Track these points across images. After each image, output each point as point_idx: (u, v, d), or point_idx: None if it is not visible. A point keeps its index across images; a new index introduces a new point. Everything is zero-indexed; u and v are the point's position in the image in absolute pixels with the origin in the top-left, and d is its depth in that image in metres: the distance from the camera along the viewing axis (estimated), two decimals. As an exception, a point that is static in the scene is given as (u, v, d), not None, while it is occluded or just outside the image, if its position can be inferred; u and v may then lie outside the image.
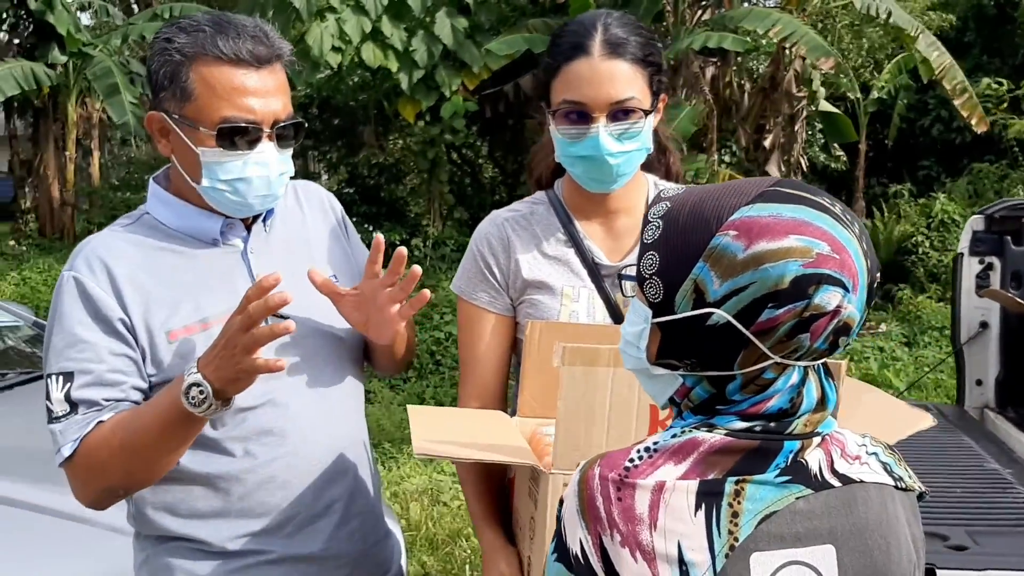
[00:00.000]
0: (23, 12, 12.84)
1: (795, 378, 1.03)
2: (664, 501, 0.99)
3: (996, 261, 3.71)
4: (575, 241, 1.79)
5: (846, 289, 0.99)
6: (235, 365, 1.40)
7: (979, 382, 3.81)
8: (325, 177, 15.88)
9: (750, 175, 10.17)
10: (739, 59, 10.68)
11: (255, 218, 1.67)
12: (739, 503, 0.99)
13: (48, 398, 1.52)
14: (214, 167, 1.54)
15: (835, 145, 12.60)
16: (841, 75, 11.72)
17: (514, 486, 1.65)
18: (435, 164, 11.09)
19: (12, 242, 13.75)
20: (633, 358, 1.11)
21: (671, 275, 1.03)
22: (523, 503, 1.54)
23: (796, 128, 10.57)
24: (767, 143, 10.46)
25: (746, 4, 10.78)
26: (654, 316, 1.06)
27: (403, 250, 1.55)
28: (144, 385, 1.56)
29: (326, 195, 1.85)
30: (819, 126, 12.25)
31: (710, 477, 1.00)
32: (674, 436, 1.04)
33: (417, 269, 1.57)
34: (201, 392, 1.41)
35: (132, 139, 14.34)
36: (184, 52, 1.52)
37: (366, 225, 11.06)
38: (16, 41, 13.38)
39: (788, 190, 1.03)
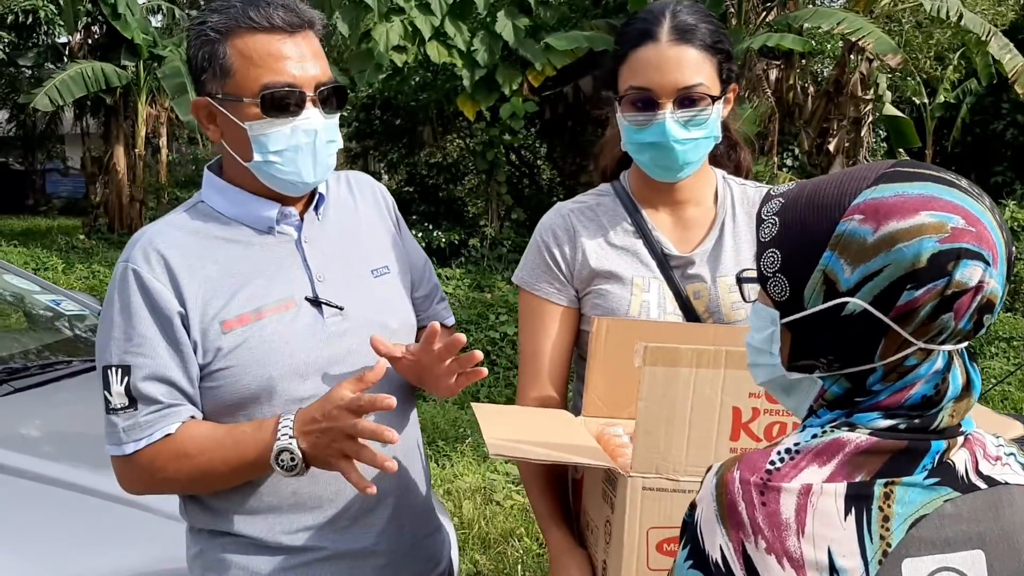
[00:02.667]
0: (98, 14, 13.17)
1: (939, 363, 0.98)
2: (811, 505, 0.94)
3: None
4: (643, 231, 1.76)
5: (986, 262, 0.94)
6: (329, 456, 1.44)
7: None
8: (385, 177, 16.03)
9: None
10: (803, 62, 10.52)
11: (307, 206, 1.67)
12: (889, 507, 0.95)
13: (106, 389, 1.53)
14: (262, 139, 1.54)
15: (900, 150, 12.33)
16: (908, 77, 11.47)
17: (582, 487, 1.62)
18: (494, 165, 11.11)
19: (83, 236, 14.10)
20: (766, 368, 1.06)
21: (796, 270, 0.99)
22: (595, 505, 1.51)
23: (862, 132, 10.38)
24: (831, 147, 10.30)
25: (811, 5, 10.61)
26: (782, 316, 1.02)
27: (462, 337, 1.53)
28: (197, 375, 1.56)
29: (378, 186, 1.85)
30: (883, 133, 12.01)
31: (857, 479, 0.95)
32: (815, 436, 0.99)
33: (478, 354, 1.55)
34: (292, 459, 1.45)
35: (198, 137, 14.62)
36: (218, 29, 1.54)
37: (426, 224, 11.11)
38: (89, 42, 13.72)
39: (909, 168, 0.98)
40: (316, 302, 1.60)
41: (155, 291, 1.52)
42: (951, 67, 12.54)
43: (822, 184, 1.01)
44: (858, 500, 0.94)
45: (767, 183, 8.15)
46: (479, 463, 5.52)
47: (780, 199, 1.04)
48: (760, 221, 1.05)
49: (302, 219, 1.65)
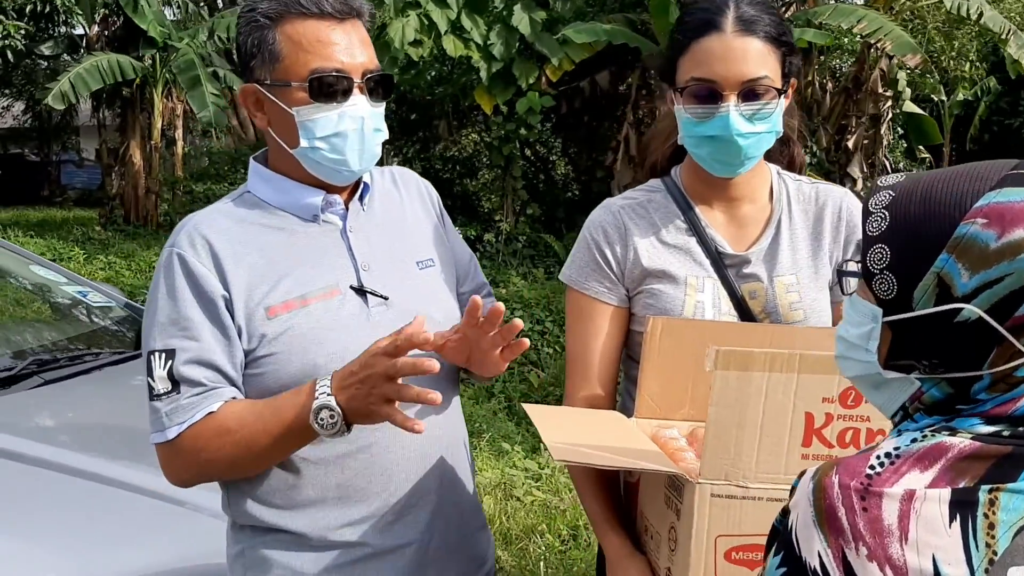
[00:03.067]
0: (115, 5, 13.17)
1: None
2: (915, 511, 0.91)
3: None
4: (696, 229, 1.71)
5: None
6: (370, 404, 1.39)
7: None
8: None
9: (830, 176, 9.95)
10: (821, 58, 10.46)
11: (351, 196, 1.66)
12: (994, 513, 0.91)
13: (150, 375, 1.52)
14: (309, 125, 1.54)
15: (920, 147, 12.27)
16: (927, 75, 11.41)
17: (637, 490, 1.59)
18: (510, 159, 11.08)
19: (99, 227, 14.13)
20: (858, 363, 1.03)
21: (907, 269, 0.96)
22: (657, 511, 1.47)
23: (880, 129, 10.32)
24: (849, 144, 10.24)
25: (831, 1, 10.55)
26: (886, 314, 0.98)
27: (501, 306, 1.50)
28: (241, 361, 1.55)
29: (423, 181, 1.84)
30: (901, 130, 11.94)
31: (961, 485, 0.92)
32: (915, 441, 0.96)
33: (518, 322, 1.53)
34: (332, 417, 1.41)
35: (212, 131, 14.63)
36: (268, 15, 1.54)
37: (441, 218, 11.05)
38: (106, 33, 13.72)
39: None
40: (361, 291, 1.59)
41: (200, 275, 1.52)
42: (970, 64, 12.46)
43: (938, 181, 0.97)
44: (963, 506, 0.91)
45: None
46: (497, 459, 5.50)
47: (890, 191, 1.00)
48: (868, 213, 1.01)
49: (347, 208, 1.65)
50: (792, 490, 1.00)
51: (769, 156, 1.75)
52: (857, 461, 0.96)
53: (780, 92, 1.63)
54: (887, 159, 10.64)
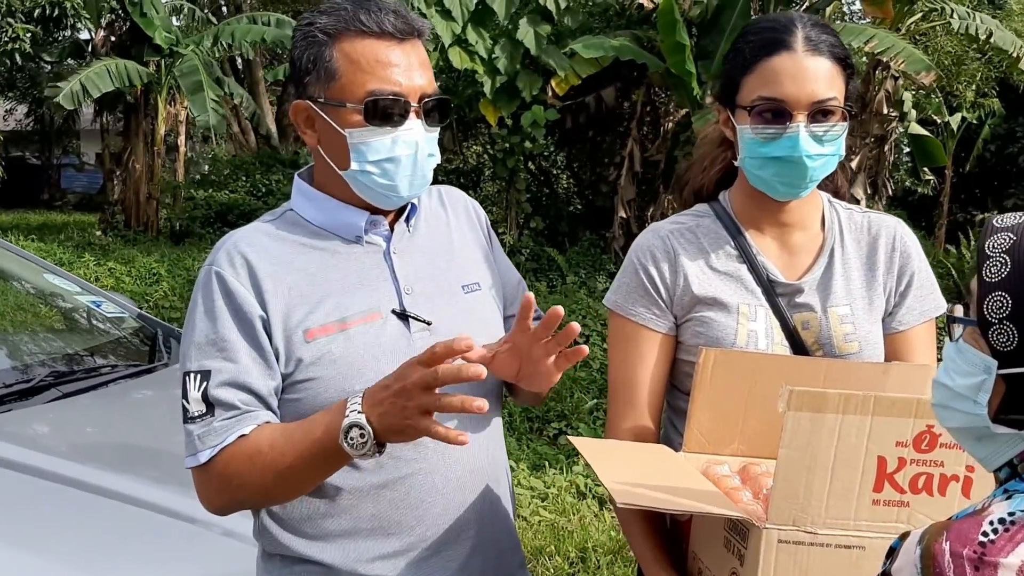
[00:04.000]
0: (121, 10, 13.16)
1: None
2: None
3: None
4: (747, 256, 1.67)
5: None
6: (406, 419, 1.30)
7: None
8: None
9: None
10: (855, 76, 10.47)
11: (397, 217, 1.62)
12: None
13: (185, 396, 1.47)
14: (362, 148, 1.49)
15: (924, 169, 12.28)
16: (933, 96, 11.43)
17: (688, 529, 1.55)
18: (514, 173, 11.07)
19: (99, 232, 14.08)
20: (964, 415, 1.00)
21: None
22: (716, 554, 1.43)
23: (885, 150, 10.32)
24: (853, 164, 10.23)
25: (839, 22, 10.57)
26: (1001, 366, 0.95)
27: (559, 309, 1.42)
28: (278, 386, 1.50)
29: (471, 202, 1.79)
30: (906, 149, 11.96)
31: None
32: None
33: (575, 326, 1.44)
34: (362, 436, 1.32)
35: (213, 137, 14.61)
36: (327, 31, 1.50)
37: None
38: (112, 39, 13.71)
39: None
40: (403, 315, 1.54)
41: (238, 294, 1.48)
42: (976, 87, 12.50)
43: None
44: None
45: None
46: (504, 477, 5.45)
47: (1010, 234, 0.96)
48: (985, 256, 0.97)
49: (392, 229, 1.60)
50: (891, 551, 0.96)
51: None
52: (969, 526, 0.92)
53: (848, 114, 1.60)
54: (890, 181, 10.64)
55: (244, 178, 14.38)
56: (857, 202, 10.15)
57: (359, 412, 1.32)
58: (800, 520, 1.26)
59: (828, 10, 10.40)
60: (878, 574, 0.97)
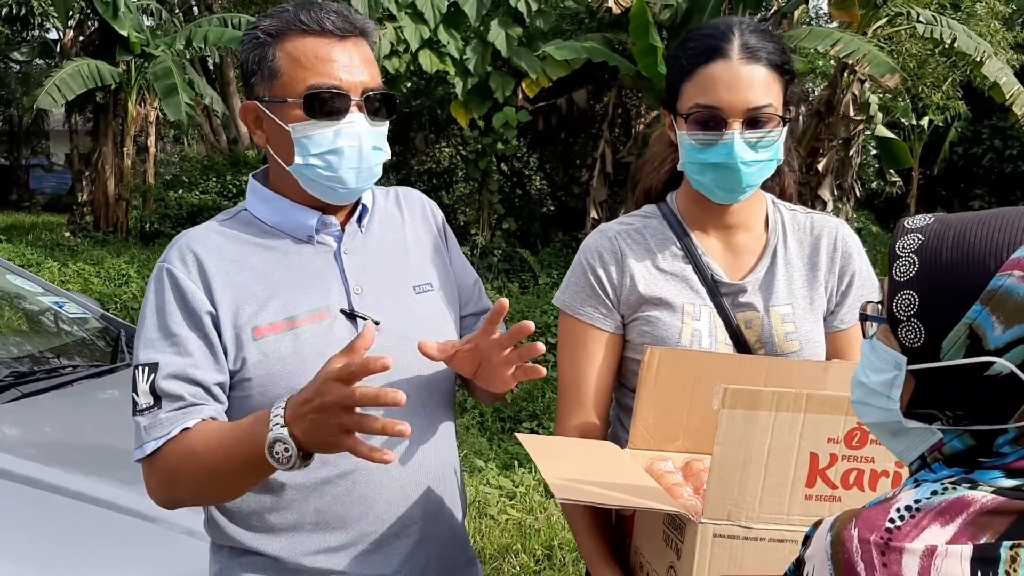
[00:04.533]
0: (89, 11, 13.04)
1: None
2: (935, 568, 0.90)
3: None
4: (692, 256, 1.71)
5: None
6: (328, 436, 1.29)
7: None
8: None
9: (802, 198, 10.02)
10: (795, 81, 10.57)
11: (349, 218, 1.64)
12: (1015, 570, 0.90)
13: (134, 389, 1.50)
14: (304, 141, 1.53)
15: (891, 171, 12.43)
16: (899, 99, 11.57)
17: (631, 524, 1.57)
18: (486, 174, 11.10)
19: (68, 234, 13.94)
20: (879, 410, 1.02)
21: (936, 318, 0.94)
22: (655, 548, 1.46)
23: (851, 152, 10.44)
24: (820, 166, 10.34)
25: (805, 25, 10.67)
26: (911, 362, 0.96)
27: (530, 324, 1.45)
28: (226, 380, 1.52)
29: (428, 203, 1.81)
30: (874, 151, 12.10)
31: (982, 541, 0.90)
32: (935, 493, 0.94)
33: (540, 346, 1.46)
34: (287, 450, 1.31)
35: (184, 138, 14.52)
36: (270, 32, 1.54)
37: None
38: (81, 39, 13.58)
39: None
40: (351, 315, 1.57)
41: (188, 290, 1.51)
42: (943, 91, 12.66)
43: (972, 227, 0.95)
44: (984, 563, 0.90)
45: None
46: (471, 476, 5.47)
47: (919, 235, 0.98)
48: (895, 256, 0.99)
49: (343, 230, 1.63)
50: (806, 539, 0.99)
51: (762, 185, 1.74)
52: (876, 513, 0.95)
53: (783, 120, 1.63)
54: (857, 182, 10.76)
55: (215, 179, 14.28)
56: (825, 204, 10.27)
57: (281, 426, 1.31)
58: (735, 515, 1.29)
59: (796, 14, 10.52)
60: (794, 560, 1.00)
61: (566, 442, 1.66)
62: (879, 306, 1.03)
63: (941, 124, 13.03)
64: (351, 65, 1.53)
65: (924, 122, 12.75)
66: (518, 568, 4.39)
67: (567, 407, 1.73)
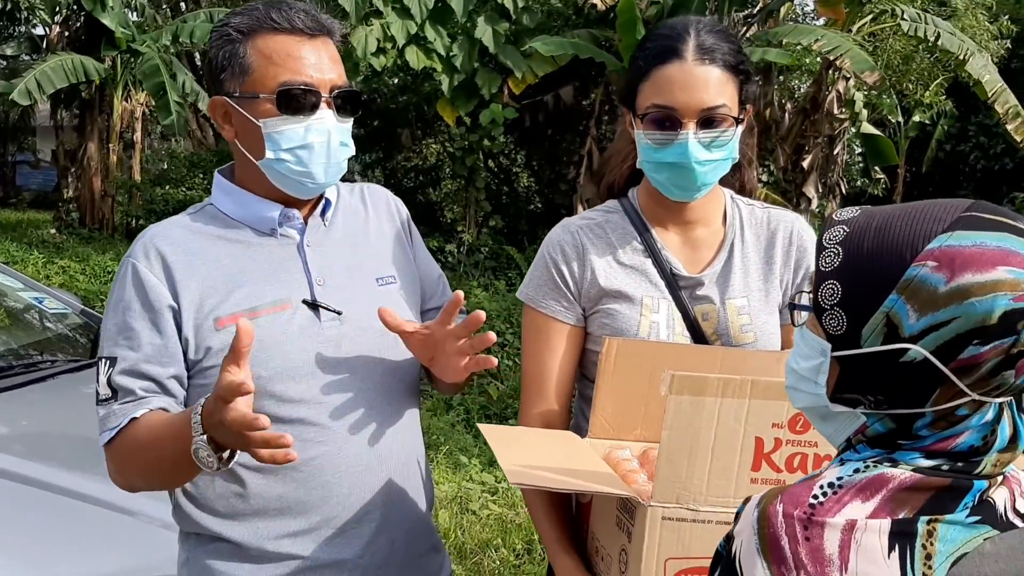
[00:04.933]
0: (76, 6, 13.00)
1: (989, 415, 0.97)
2: (855, 541, 0.93)
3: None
4: (652, 251, 1.74)
5: None
6: (236, 442, 1.35)
7: None
8: (359, 179, 15.91)
9: (787, 195, 10.11)
10: (781, 78, 10.63)
11: (312, 211, 1.68)
12: (932, 544, 0.94)
13: (97, 380, 1.56)
14: (276, 136, 1.57)
15: (876, 168, 12.49)
16: (884, 96, 11.63)
17: (589, 511, 1.61)
18: (473, 171, 11.11)
19: (53, 230, 13.90)
20: (808, 395, 1.05)
21: (857, 306, 0.97)
22: (609, 532, 1.49)
23: (836, 150, 10.50)
24: (805, 164, 10.40)
25: (791, 22, 10.73)
26: (834, 349, 1.00)
27: (481, 314, 1.52)
28: (181, 373, 1.57)
29: (393, 199, 1.85)
30: (859, 149, 12.16)
31: (901, 516, 0.95)
32: (857, 471, 0.98)
33: (491, 336, 1.54)
34: (208, 457, 1.38)
35: (175, 134, 14.48)
36: (240, 29, 1.58)
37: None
38: (67, 34, 13.54)
39: (988, 215, 0.96)
40: (313, 305, 1.61)
41: (149, 285, 1.55)
42: (932, 89, 12.73)
43: (893, 219, 0.99)
44: (902, 537, 0.94)
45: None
46: (454, 472, 5.50)
47: (844, 227, 1.01)
48: (821, 248, 1.02)
49: (306, 223, 1.67)
50: (737, 516, 1.02)
51: (721, 180, 1.77)
52: (801, 490, 0.98)
53: (737, 120, 1.66)
54: (842, 179, 10.82)
55: (202, 175, 14.26)
56: (810, 201, 10.33)
57: (201, 434, 1.37)
58: (683, 498, 1.32)
59: (782, 11, 10.57)
60: (724, 535, 1.03)
61: (527, 432, 1.70)
62: (810, 296, 1.06)
63: (928, 122, 13.10)
64: (320, 63, 1.58)
65: (913, 119, 12.84)
66: (498, 562, 4.42)
67: (530, 398, 1.77)
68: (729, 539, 1.02)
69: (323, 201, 1.69)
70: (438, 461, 5.63)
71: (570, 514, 1.70)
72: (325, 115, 1.57)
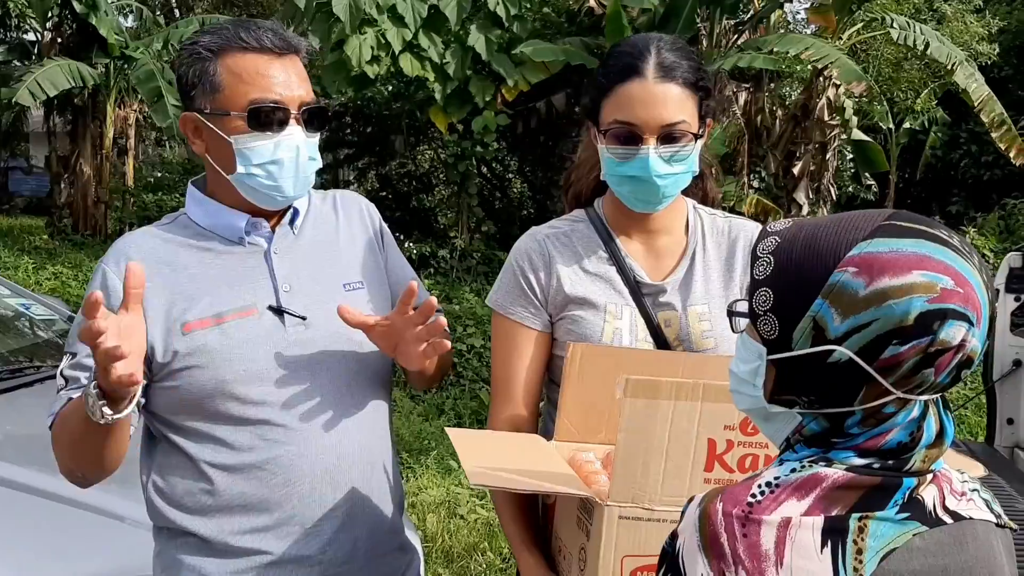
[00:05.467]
0: (67, 12, 13.02)
1: (915, 412, 1.03)
2: (790, 538, 0.98)
3: (1033, 299, 3.71)
4: (616, 259, 1.79)
5: (970, 323, 0.98)
6: (104, 380, 1.42)
7: (1010, 421, 3.79)
8: (355, 185, 15.93)
9: (778, 201, 10.17)
10: (771, 85, 10.69)
11: (280, 220, 1.73)
12: (863, 540, 0.99)
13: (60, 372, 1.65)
14: (246, 152, 1.62)
15: (866, 175, 12.55)
16: (875, 103, 11.70)
17: (554, 512, 1.65)
18: (465, 177, 11.15)
19: (46, 236, 13.91)
20: (748, 397, 1.11)
21: (787, 312, 1.03)
22: (569, 532, 1.53)
23: (827, 156, 10.56)
24: (796, 170, 10.45)
25: (782, 31, 10.79)
26: (769, 353, 1.05)
27: (433, 300, 1.61)
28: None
29: (365, 204, 1.90)
30: (850, 155, 12.21)
31: (834, 513, 0.99)
32: (793, 471, 1.03)
33: (442, 320, 1.61)
34: (90, 401, 1.44)
35: (166, 141, 14.50)
36: (210, 48, 1.63)
37: (396, 234, 11.11)
38: (59, 40, 13.55)
39: (905, 223, 1.01)
40: (279, 311, 1.66)
41: (114, 289, 1.61)
42: (923, 97, 12.80)
43: (819, 229, 1.04)
44: (834, 533, 0.98)
45: (735, 204, 8.16)
46: (443, 476, 5.53)
47: (776, 238, 1.07)
48: (755, 258, 1.08)
49: (274, 231, 1.72)
50: (682, 515, 1.06)
51: (684, 190, 1.83)
52: (740, 489, 1.03)
53: (696, 135, 1.72)
54: (833, 185, 10.87)
55: (195, 182, 14.26)
56: (800, 207, 10.37)
57: (94, 385, 1.45)
58: (639, 498, 1.36)
59: (773, 18, 10.63)
60: (670, 533, 1.08)
61: (493, 435, 1.74)
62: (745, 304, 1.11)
63: (919, 128, 13.16)
64: (289, 81, 1.64)
65: (904, 126, 12.89)
66: (485, 567, 4.45)
67: (498, 402, 1.82)
68: (674, 537, 1.06)
69: (292, 210, 1.75)
70: (427, 466, 5.66)
71: (536, 516, 1.75)
72: (294, 131, 1.63)
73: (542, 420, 1.88)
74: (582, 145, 1.92)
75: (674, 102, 1.68)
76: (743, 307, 1.10)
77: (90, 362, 1.57)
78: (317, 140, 1.70)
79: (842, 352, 0.99)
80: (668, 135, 1.68)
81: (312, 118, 1.67)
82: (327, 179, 15.30)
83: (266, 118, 1.61)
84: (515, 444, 1.65)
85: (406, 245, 10.77)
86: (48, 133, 15.56)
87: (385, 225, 1.91)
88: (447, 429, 1.63)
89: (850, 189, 13.06)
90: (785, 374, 1.05)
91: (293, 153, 1.63)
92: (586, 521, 1.43)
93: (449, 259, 10.85)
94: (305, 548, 1.66)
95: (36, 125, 19.02)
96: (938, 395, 1.04)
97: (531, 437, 1.72)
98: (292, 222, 1.75)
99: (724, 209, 1.97)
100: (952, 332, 0.97)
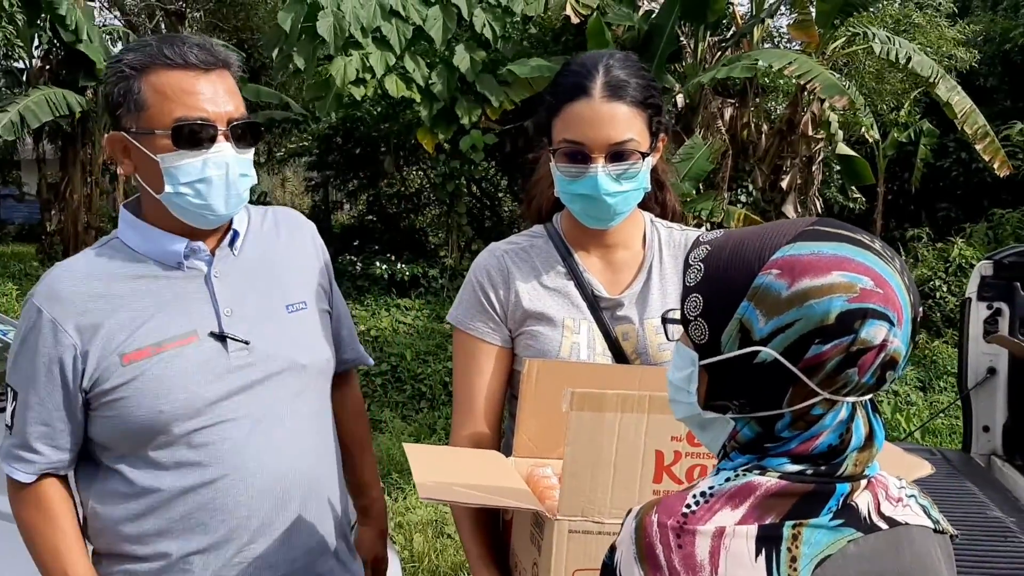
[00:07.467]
0: (55, 40, 13.06)
1: (843, 414, 1.04)
2: (724, 547, 0.99)
3: (1005, 307, 3.72)
4: (575, 274, 1.81)
5: (891, 323, 1.00)
6: None
7: (986, 428, 3.80)
8: (346, 206, 15.95)
9: (766, 215, 10.20)
10: (756, 100, 10.74)
11: (220, 242, 1.71)
12: (797, 547, 1.00)
13: (6, 404, 1.65)
14: (173, 171, 1.59)
15: (852, 188, 12.60)
16: (860, 115, 11.75)
17: (511, 527, 1.65)
18: (454, 196, 11.18)
19: (36, 263, 13.89)
20: (684, 405, 1.12)
21: (716, 316, 1.05)
22: (524, 547, 1.54)
23: (813, 170, 10.61)
24: (783, 184, 10.50)
25: (766, 45, 10.85)
26: (701, 358, 1.07)
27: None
28: (63, 420, 1.63)
29: (306, 223, 1.90)
30: (837, 168, 12.25)
31: (768, 521, 1.00)
32: (728, 480, 1.04)
33: None
34: None
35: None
36: (134, 66, 1.61)
37: (387, 254, 11.12)
38: (48, 68, 13.57)
39: (827, 228, 1.04)
40: (220, 336, 1.64)
41: (45, 330, 1.59)
42: (905, 108, 12.87)
43: (747, 236, 1.07)
44: (768, 541, 0.99)
45: (721, 220, 8.15)
46: (431, 496, 5.50)
47: (707, 246, 1.09)
48: (687, 266, 1.10)
49: (213, 254, 1.69)
50: (621, 526, 1.07)
51: (644, 203, 1.85)
52: (675, 500, 1.04)
53: (644, 154, 1.73)
54: (819, 199, 10.92)
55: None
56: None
57: None
58: (588, 511, 1.37)
59: (756, 33, 10.69)
60: (610, 546, 1.08)
61: (451, 451, 1.74)
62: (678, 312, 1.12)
63: (905, 140, 13.20)
64: (216, 96, 1.60)
65: (890, 139, 12.93)
66: (472, 585, 4.43)
67: (459, 418, 1.82)
68: (613, 550, 1.07)
69: (231, 231, 1.72)
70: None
71: (495, 532, 1.75)
72: (223, 147, 1.60)
73: (504, 435, 1.88)
74: (541, 161, 1.94)
75: (622, 121, 1.69)
76: (677, 315, 1.12)
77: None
78: (251, 156, 1.67)
79: (767, 352, 1.01)
80: (616, 153, 1.69)
81: (243, 133, 1.64)
82: (318, 200, 15.32)
83: (192, 135, 1.58)
84: (472, 460, 1.65)
85: (398, 267, 10.78)
86: (37, 160, 15.58)
87: (324, 245, 1.91)
88: (405, 445, 1.63)
89: (840, 200, 13.09)
90: (717, 379, 1.07)
91: (222, 170, 1.61)
92: (538, 536, 1.43)
93: (439, 278, 10.87)
94: (244, 570, 1.66)
95: (28, 153, 19.03)
96: (866, 398, 1.05)
97: (490, 453, 1.73)
98: (232, 243, 1.72)
99: (712, 224, 1.99)
100: (873, 331, 0.99)
